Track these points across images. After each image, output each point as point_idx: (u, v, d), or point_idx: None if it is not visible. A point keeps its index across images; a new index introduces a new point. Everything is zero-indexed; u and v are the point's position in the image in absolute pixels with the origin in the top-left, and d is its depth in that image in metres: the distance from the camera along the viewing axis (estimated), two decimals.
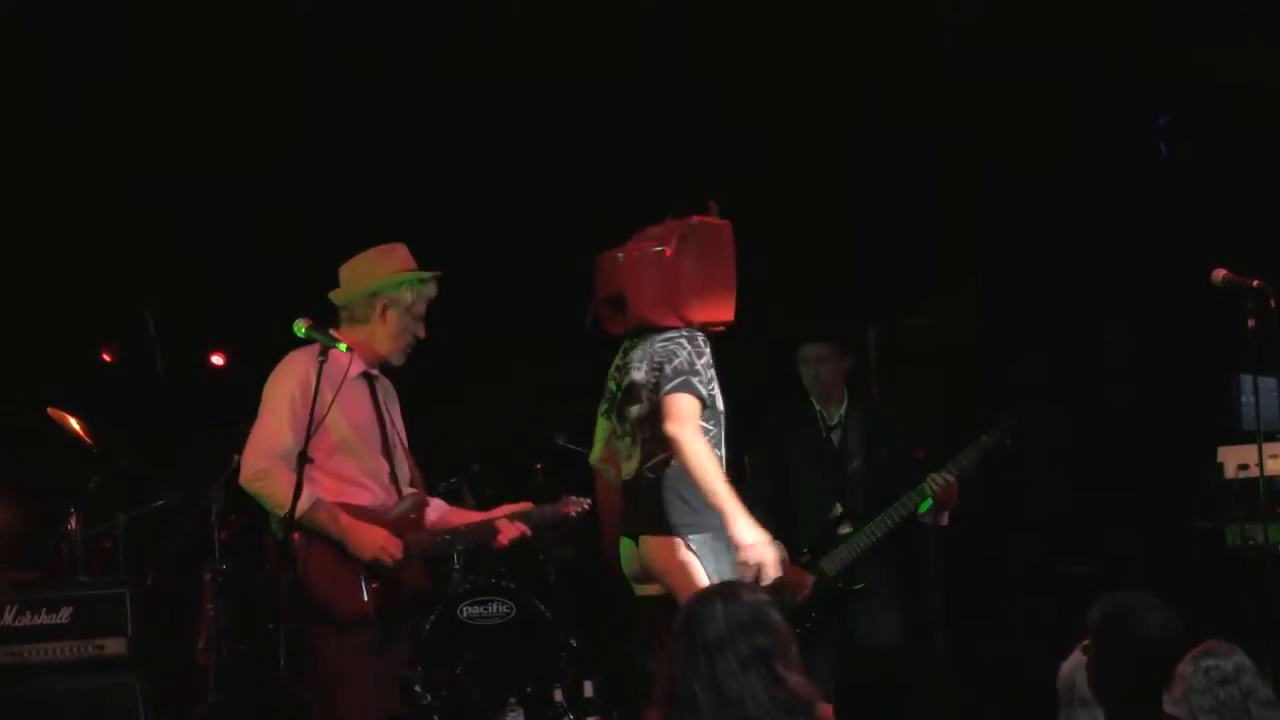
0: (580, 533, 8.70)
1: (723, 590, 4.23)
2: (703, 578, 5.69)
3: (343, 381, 5.90)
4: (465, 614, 7.98)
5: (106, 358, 8.55)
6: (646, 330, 5.93)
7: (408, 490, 6.21)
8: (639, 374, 5.92)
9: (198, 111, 8.68)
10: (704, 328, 5.94)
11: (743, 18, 8.83)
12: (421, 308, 6.17)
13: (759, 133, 9.02)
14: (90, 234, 8.64)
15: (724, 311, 5.98)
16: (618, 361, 6.07)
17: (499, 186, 9.12)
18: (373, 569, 5.92)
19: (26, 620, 6.78)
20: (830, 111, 9.02)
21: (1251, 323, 6.54)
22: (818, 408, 7.64)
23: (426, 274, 6.21)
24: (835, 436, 7.62)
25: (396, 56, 8.91)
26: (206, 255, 8.94)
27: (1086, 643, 4.63)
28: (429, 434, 8.67)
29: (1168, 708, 4.67)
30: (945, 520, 7.32)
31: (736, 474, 7.28)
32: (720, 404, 5.92)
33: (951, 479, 7.25)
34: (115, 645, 6.85)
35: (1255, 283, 6.61)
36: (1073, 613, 4.85)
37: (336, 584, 5.89)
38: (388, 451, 6.12)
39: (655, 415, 5.79)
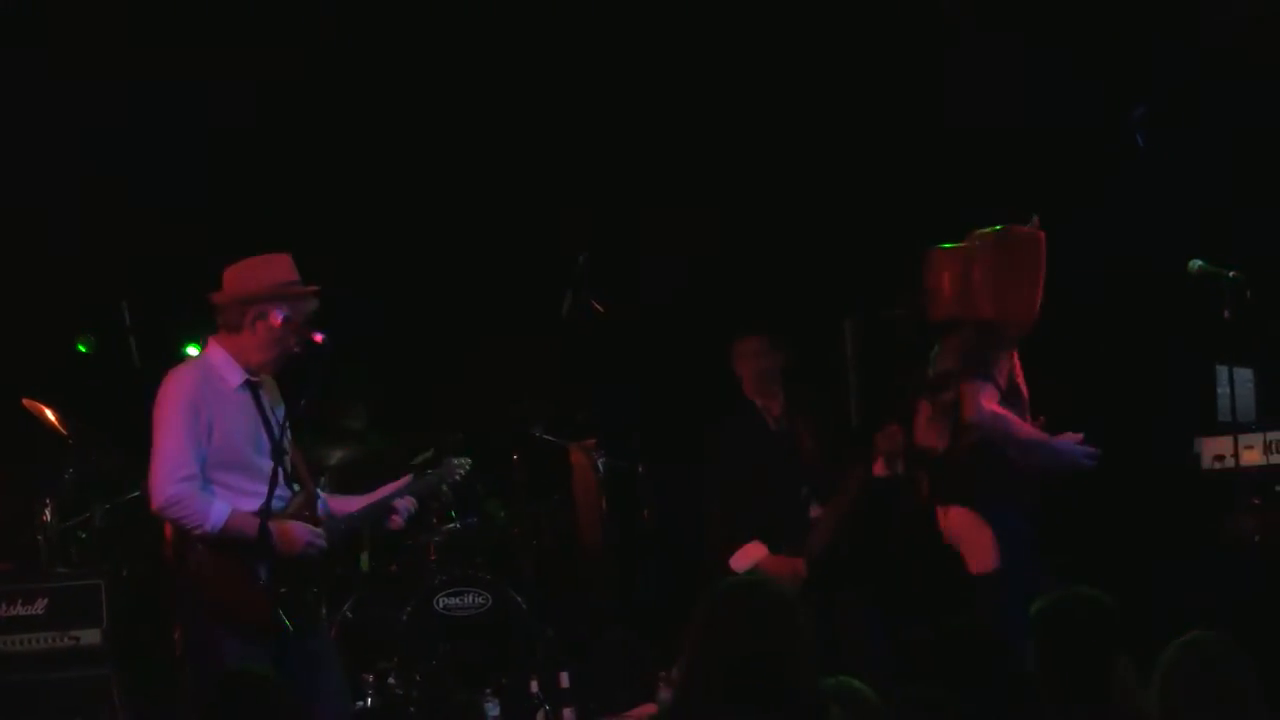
0: (558, 524, 8.71)
1: (748, 580, 4.21)
2: (996, 551, 6.70)
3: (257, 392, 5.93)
4: (441, 605, 7.97)
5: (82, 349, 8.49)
6: (964, 324, 6.80)
7: (299, 487, 6.10)
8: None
9: (186, 105, 8.68)
10: None
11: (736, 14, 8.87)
12: (297, 323, 5.97)
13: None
14: (70, 224, 8.61)
15: None
16: (938, 349, 6.91)
17: (493, 183, 9.12)
18: (281, 573, 5.83)
19: (1, 612, 6.76)
20: (807, 103, 9.03)
21: (1227, 314, 6.58)
22: (758, 404, 7.63)
23: (302, 289, 6.02)
24: (781, 425, 7.62)
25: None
26: (185, 246, 8.92)
27: None
28: (416, 425, 8.70)
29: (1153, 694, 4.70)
30: (901, 468, 7.27)
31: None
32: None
33: (892, 426, 7.18)
34: (90, 636, 6.84)
35: (1231, 274, 6.64)
36: None
37: (239, 591, 5.80)
38: (278, 454, 5.99)
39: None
